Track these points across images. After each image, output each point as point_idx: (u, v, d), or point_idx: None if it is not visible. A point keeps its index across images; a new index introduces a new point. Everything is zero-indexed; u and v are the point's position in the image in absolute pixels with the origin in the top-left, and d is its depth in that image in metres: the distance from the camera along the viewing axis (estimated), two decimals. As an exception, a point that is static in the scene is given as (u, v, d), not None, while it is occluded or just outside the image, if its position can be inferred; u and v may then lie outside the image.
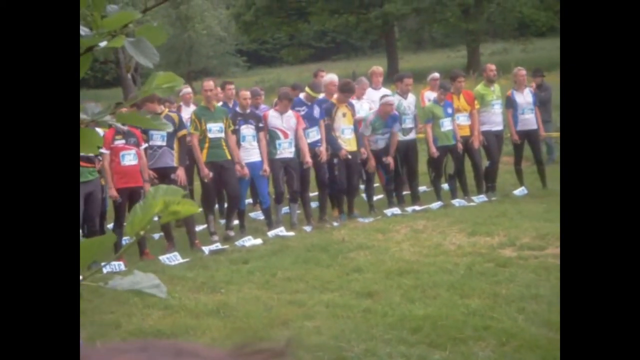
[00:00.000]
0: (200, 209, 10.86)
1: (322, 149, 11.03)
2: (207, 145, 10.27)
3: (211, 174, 10.23)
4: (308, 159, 10.80)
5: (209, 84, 10.59)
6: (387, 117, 11.48)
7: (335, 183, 11.23)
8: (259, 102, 11.36)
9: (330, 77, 11.97)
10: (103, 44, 1.43)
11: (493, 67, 12.97)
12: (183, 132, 10.21)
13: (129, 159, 9.51)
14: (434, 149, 11.93)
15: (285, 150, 10.80)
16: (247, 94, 10.85)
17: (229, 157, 10.39)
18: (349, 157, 11.13)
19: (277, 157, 10.69)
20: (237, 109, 10.88)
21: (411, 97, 12.33)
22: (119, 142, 9.47)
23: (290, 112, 10.85)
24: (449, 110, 12.02)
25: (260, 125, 10.68)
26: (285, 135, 10.78)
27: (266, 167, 10.58)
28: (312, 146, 11.00)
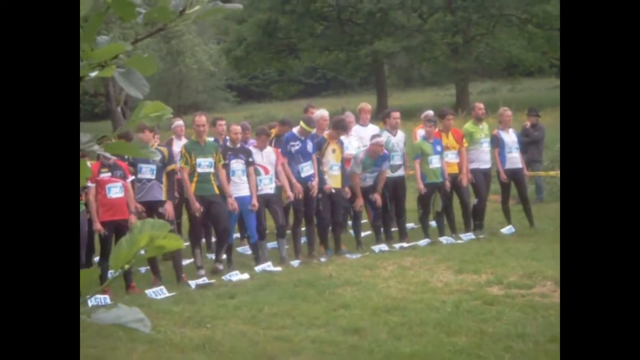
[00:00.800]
0: (187, 243, 10.84)
1: (314, 183, 11.03)
2: (195, 179, 10.28)
3: (201, 208, 10.22)
4: (289, 193, 10.83)
5: (202, 119, 10.59)
6: (376, 157, 11.51)
7: (320, 218, 11.22)
8: (247, 137, 11.38)
9: (321, 112, 12.02)
10: (93, 74, 1.43)
11: (481, 105, 13.06)
12: (172, 166, 10.22)
13: (115, 191, 9.48)
14: (421, 186, 11.95)
15: (266, 186, 10.82)
16: (238, 128, 10.88)
17: (217, 192, 10.39)
18: (333, 191, 11.14)
19: (258, 193, 10.70)
20: (228, 143, 10.89)
21: (400, 134, 12.37)
22: (105, 175, 9.44)
23: (269, 148, 10.94)
24: (438, 148, 12.07)
25: (250, 159, 10.69)
26: (266, 171, 10.81)
27: (255, 202, 10.58)
28: (305, 181, 11.01)
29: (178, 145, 11.97)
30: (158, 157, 9.74)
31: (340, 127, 11.34)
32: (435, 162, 12.01)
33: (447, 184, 12.12)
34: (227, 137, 11.23)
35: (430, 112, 12.93)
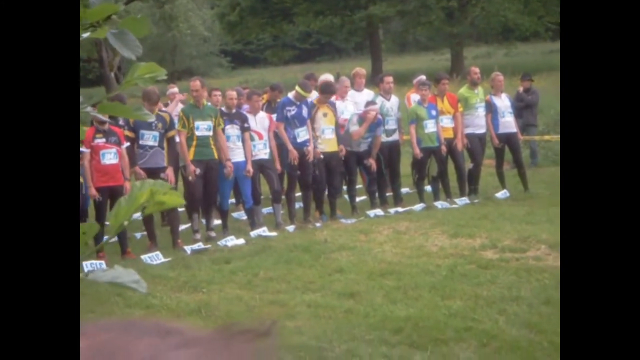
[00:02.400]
0: (182, 209, 10.85)
1: (310, 148, 11.02)
2: (194, 143, 10.25)
3: (198, 171, 10.19)
4: (278, 166, 10.86)
5: (196, 84, 10.55)
6: (370, 122, 11.48)
7: (316, 183, 11.23)
8: (241, 102, 11.34)
9: (326, 77, 12.09)
10: (86, 34, 1.42)
11: (477, 70, 13.00)
12: (172, 132, 10.21)
13: (109, 157, 9.46)
14: (417, 150, 11.95)
15: (260, 152, 10.82)
16: (234, 93, 10.84)
17: (216, 157, 10.37)
18: (321, 157, 11.12)
19: (253, 158, 10.69)
20: (223, 108, 10.85)
21: (394, 99, 12.34)
22: (99, 141, 9.41)
23: (262, 113, 10.95)
24: (433, 112, 12.05)
25: (246, 125, 10.66)
26: (260, 137, 10.80)
27: (249, 167, 10.57)
28: (301, 146, 10.99)
29: (174, 111, 11.98)
30: (152, 120, 9.70)
31: (327, 90, 11.30)
32: (430, 126, 11.99)
33: (443, 148, 12.11)
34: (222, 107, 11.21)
35: (423, 77, 12.87)
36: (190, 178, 10.22)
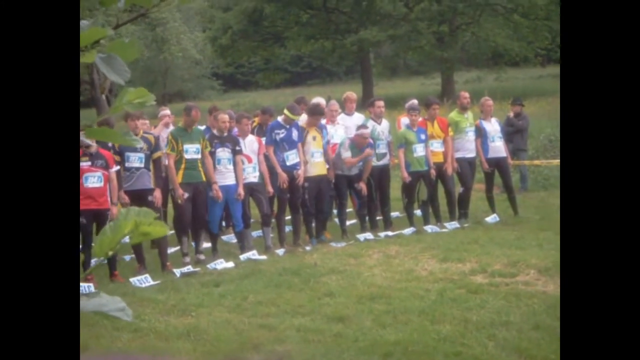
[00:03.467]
0: (173, 231, 10.82)
1: (300, 172, 11.03)
2: (183, 166, 10.25)
3: (186, 195, 10.19)
4: (269, 188, 10.85)
5: (225, 117, 10.74)
6: (362, 147, 11.49)
7: (305, 206, 11.24)
8: (232, 126, 11.34)
9: (318, 100, 12.15)
10: (74, 59, 1.42)
11: (467, 94, 13.05)
12: (158, 153, 10.20)
13: (93, 181, 9.35)
14: (406, 174, 11.96)
15: (250, 175, 10.82)
16: (226, 117, 10.85)
17: (204, 179, 10.37)
18: (306, 184, 11.13)
19: (243, 182, 10.70)
20: (215, 131, 10.85)
21: (385, 123, 12.38)
22: (84, 164, 9.31)
23: (251, 137, 10.95)
24: (422, 137, 12.08)
25: (237, 148, 10.66)
26: (249, 160, 10.81)
27: (240, 190, 10.56)
28: (291, 169, 11.00)
29: (165, 133, 12.00)
30: (140, 145, 9.69)
31: (316, 112, 11.32)
32: (419, 150, 12.02)
33: (433, 172, 12.14)
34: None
35: (415, 101, 12.90)
36: (179, 201, 10.20)
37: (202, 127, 11.27)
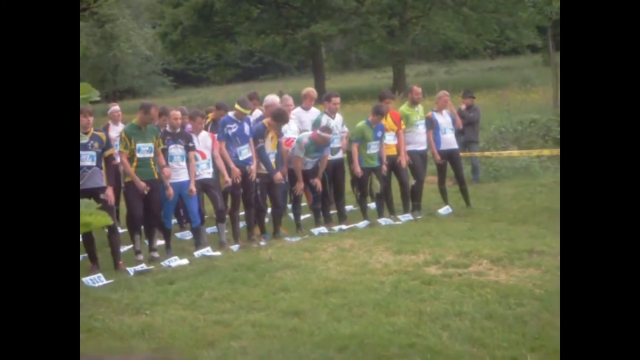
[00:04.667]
0: (125, 230, 10.72)
1: (253, 167, 11.01)
2: (135, 164, 10.15)
3: (148, 187, 10.10)
4: (227, 178, 10.82)
5: (177, 113, 10.71)
6: (321, 146, 11.51)
7: (257, 202, 11.23)
8: (184, 122, 11.27)
9: (272, 98, 12.13)
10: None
11: (419, 90, 13.08)
12: (110, 151, 10.07)
13: None
14: (359, 169, 11.99)
15: (204, 171, 10.78)
16: (178, 113, 10.77)
17: (157, 177, 10.29)
18: (283, 182, 11.17)
19: (196, 178, 10.65)
20: (167, 128, 10.77)
21: (338, 117, 12.40)
22: None
23: (204, 133, 10.92)
24: (379, 134, 12.12)
25: (190, 144, 10.60)
26: (203, 156, 10.77)
27: (192, 187, 10.51)
28: (244, 164, 10.97)
29: (115, 131, 11.88)
30: (83, 141, 9.59)
31: (280, 119, 11.30)
32: (373, 147, 12.07)
33: (384, 168, 12.18)
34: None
35: (380, 107, 12.65)
36: (144, 192, 10.11)
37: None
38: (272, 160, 11.31)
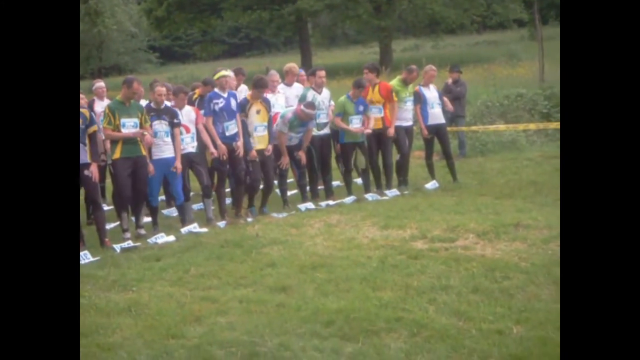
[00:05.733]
0: (111, 207, 10.68)
1: (240, 143, 10.95)
2: (121, 141, 10.08)
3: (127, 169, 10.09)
4: (212, 150, 10.77)
5: (162, 89, 10.68)
6: (304, 121, 11.47)
7: (252, 180, 11.19)
8: (169, 98, 11.21)
9: (272, 73, 12.21)
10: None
11: (415, 73, 12.83)
12: (94, 128, 9.96)
13: None
14: (350, 127, 11.94)
15: (189, 145, 10.75)
16: (163, 89, 10.70)
17: (144, 153, 10.23)
18: (256, 159, 11.11)
19: (181, 153, 10.62)
20: (152, 104, 10.71)
21: (325, 92, 12.33)
22: None
23: (188, 107, 10.86)
24: (360, 108, 12.09)
25: (175, 121, 10.54)
26: (187, 130, 10.73)
27: (178, 164, 10.47)
28: (230, 140, 10.91)
29: (100, 106, 11.80)
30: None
31: (259, 85, 11.24)
32: (355, 122, 12.05)
33: (368, 131, 12.08)
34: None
35: (362, 79, 12.60)
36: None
37: (145, 102, 11.11)
38: (264, 133, 11.26)
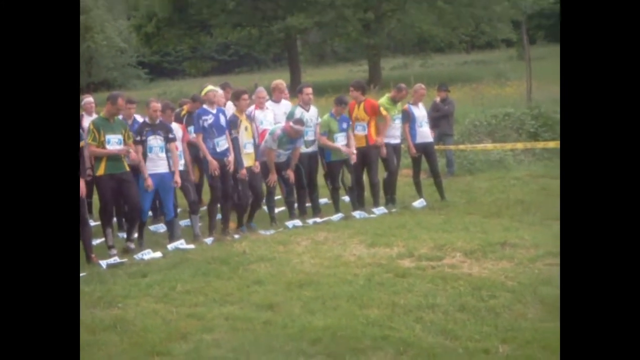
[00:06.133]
0: (98, 223, 10.62)
1: (230, 159, 10.94)
2: (105, 157, 10.06)
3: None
4: (192, 176, 10.82)
5: (157, 105, 10.64)
6: (293, 138, 11.49)
7: (240, 198, 11.17)
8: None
9: (260, 89, 12.27)
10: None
11: (404, 92, 12.85)
12: (81, 143, 9.95)
13: None
14: (338, 146, 11.96)
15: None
16: (158, 105, 10.70)
17: (128, 169, 10.21)
18: (246, 179, 11.10)
19: (167, 171, 10.61)
20: (146, 119, 10.71)
21: (313, 110, 12.35)
22: None
23: (175, 125, 10.89)
24: (344, 125, 12.10)
25: (170, 136, 10.54)
26: (175, 148, 10.71)
27: (177, 178, 10.47)
28: (221, 156, 10.89)
29: (89, 122, 11.78)
30: None
31: (236, 96, 11.33)
32: (340, 140, 12.07)
33: (353, 158, 12.11)
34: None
35: (343, 97, 12.69)
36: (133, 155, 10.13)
37: (140, 119, 11.13)
38: (251, 150, 11.27)
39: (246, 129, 11.23)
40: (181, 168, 10.82)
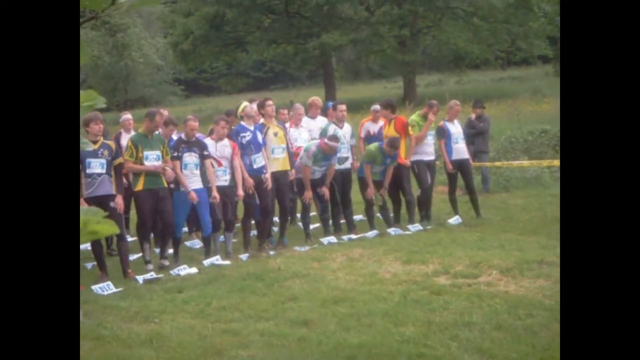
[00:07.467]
0: (135, 238, 10.70)
1: (267, 176, 11.00)
2: (143, 173, 10.16)
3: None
4: (240, 192, 10.79)
5: (195, 124, 10.72)
6: (328, 155, 11.52)
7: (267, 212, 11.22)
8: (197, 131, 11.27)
9: (297, 106, 12.38)
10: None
11: (436, 109, 12.80)
12: (119, 160, 10.07)
13: None
14: (372, 187, 11.96)
15: (220, 179, 10.76)
16: (196, 124, 10.78)
17: (166, 185, 10.30)
18: (268, 188, 11.10)
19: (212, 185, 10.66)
20: (182, 136, 10.80)
21: (347, 127, 12.40)
22: None
23: (226, 141, 10.85)
24: (387, 161, 12.02)
25: (205, 153, 10.60)
26: (219, 164, 10.75)
27: (215, 194, 10.52)
28: (258, 173, 10.95)
29: (126, 139, 11.90)
30: (89, 148, 9.62)
31: (262, 105, 11.41)
32: (377, 169, 12.09)
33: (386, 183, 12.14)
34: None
35: (377, 107, 12.77)
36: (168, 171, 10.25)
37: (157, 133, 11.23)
38: (283, 155, 11.31)
39: (276, 134, 11.26)
40: (227, 184, 10.83)
